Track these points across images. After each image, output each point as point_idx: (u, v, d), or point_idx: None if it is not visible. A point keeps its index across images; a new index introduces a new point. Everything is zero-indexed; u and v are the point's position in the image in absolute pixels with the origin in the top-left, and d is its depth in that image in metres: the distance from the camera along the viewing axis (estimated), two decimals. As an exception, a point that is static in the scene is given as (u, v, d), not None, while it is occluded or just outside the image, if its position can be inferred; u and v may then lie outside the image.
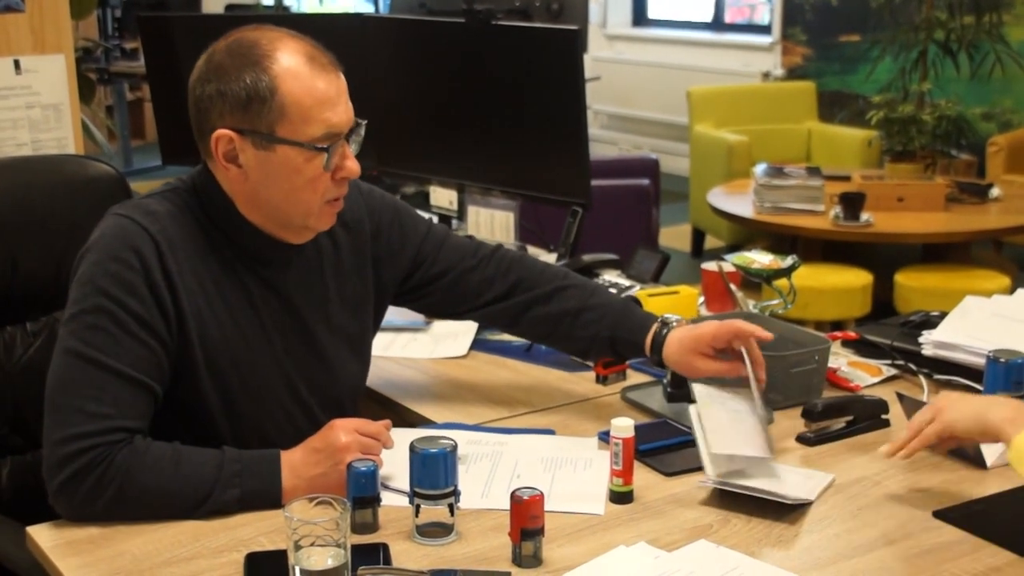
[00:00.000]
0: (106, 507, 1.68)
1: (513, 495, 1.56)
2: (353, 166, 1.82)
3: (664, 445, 1.93)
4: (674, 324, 2.02)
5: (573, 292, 2.09)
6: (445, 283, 2.09)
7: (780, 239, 5.43)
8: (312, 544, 1.45)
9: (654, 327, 2.02)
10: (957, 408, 1.73)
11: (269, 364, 1.88)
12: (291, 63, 1.76)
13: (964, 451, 1.86)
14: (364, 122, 1.85)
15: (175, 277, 1.77)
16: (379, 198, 2.07)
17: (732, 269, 2.50)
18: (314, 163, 1.77)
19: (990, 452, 1.84)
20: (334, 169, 1.80)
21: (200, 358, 1.80)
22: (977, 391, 2.08)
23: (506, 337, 2.47)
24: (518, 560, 1.58)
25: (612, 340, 2.06)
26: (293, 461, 1.76)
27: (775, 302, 2.44)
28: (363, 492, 1.66)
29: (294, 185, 1.78)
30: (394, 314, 2.35)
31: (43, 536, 1.66)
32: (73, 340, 1.72)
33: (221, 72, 1.76)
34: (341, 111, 1.79)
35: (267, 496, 1.73)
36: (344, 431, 1.76)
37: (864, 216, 5.02)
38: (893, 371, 2.27)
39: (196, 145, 1.84)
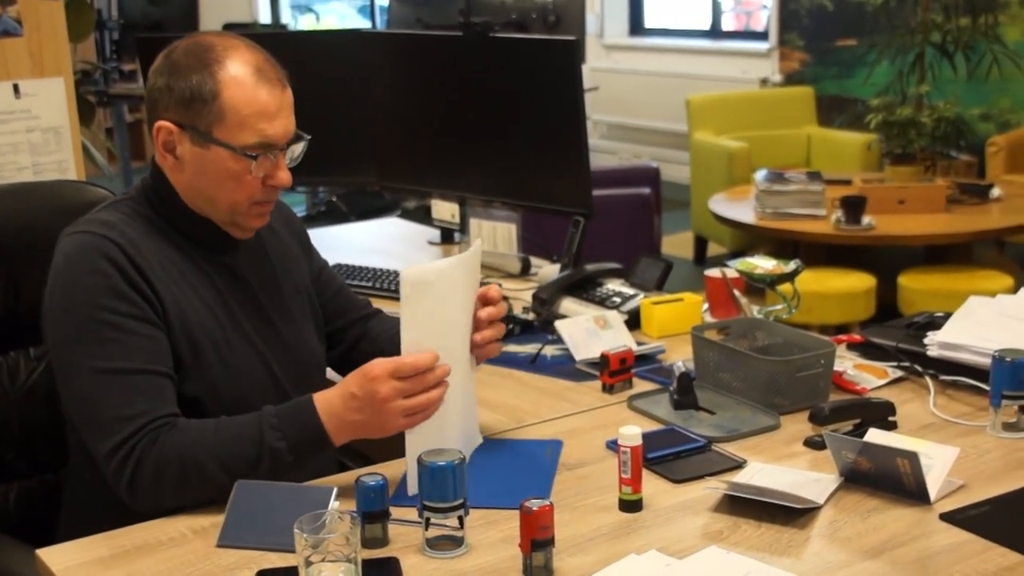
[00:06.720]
0: (175, 488, 1.75)
1: (522, 506, 1.56)
2: (284, 176, 1.90)
3: (672, 452, 1.93)
4: None
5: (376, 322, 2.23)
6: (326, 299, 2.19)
7: (782, 244, 5.43)
8: (323, 560, 1.46)
9: None
10: None
11: (244, 344, 1.94)
12: (238, 71, 1.84)
13: (906, 487, 1.77)
14: (308, 137, 1.93)
15: (147, 272, 1.84)
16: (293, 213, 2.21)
17: (735, 275, 2.50)
18: (244, 166, 1.86)
19: (933, 484, 1.77)
20: (264, 176, 1.88)
21: (184, 344, 1.86)
22: (984, 391, 2.08)
23: (511, 348, 2.47)
24: (529, 571, 1.57)
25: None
26: (332, 405, 1.79)
27: (779, 307, 2.44)
28: (372, 507, 1.66)
29: (223, 182, 1.87)
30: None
31: (53, 559, 1.66)
32: (86, 359, 1.78)
33: (174, 69, 1.86)
34: (279, 124, 1.86)
35: (315, 441, 1.78)
36: (382, 381, 1.75)
37: (866, 219, 5.03)
38: (899, 373, 2.27)
39: None
